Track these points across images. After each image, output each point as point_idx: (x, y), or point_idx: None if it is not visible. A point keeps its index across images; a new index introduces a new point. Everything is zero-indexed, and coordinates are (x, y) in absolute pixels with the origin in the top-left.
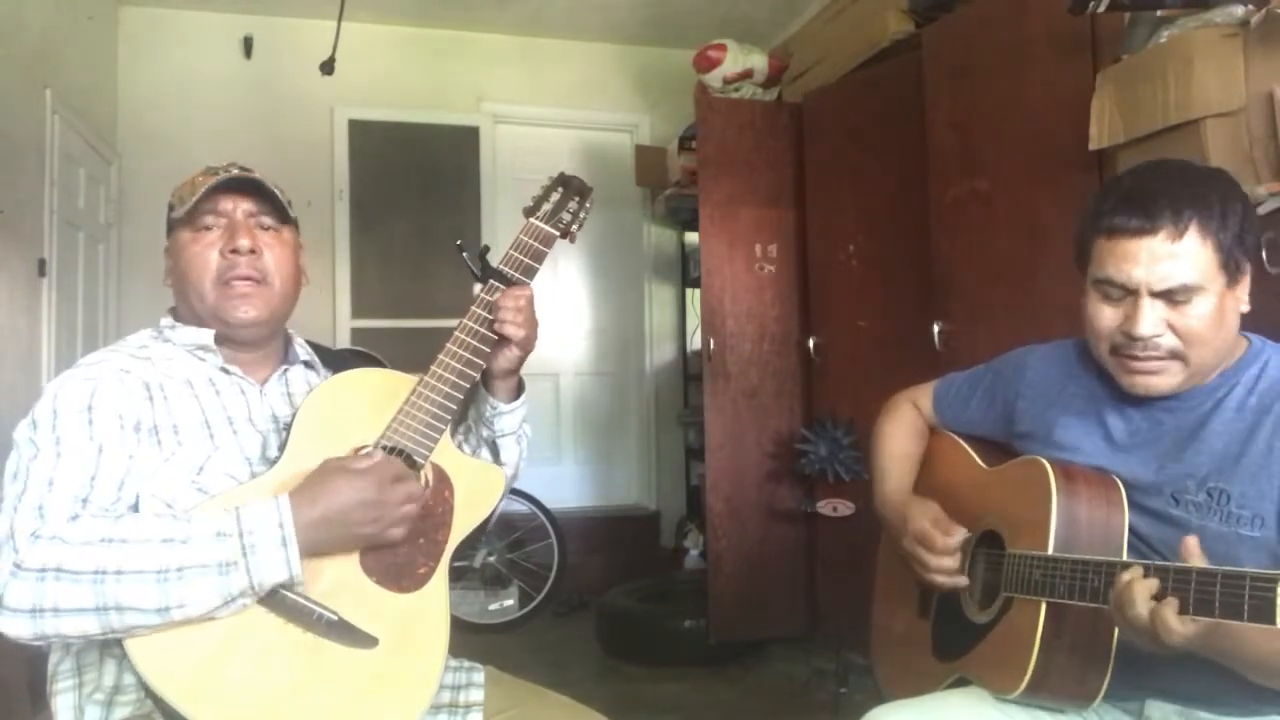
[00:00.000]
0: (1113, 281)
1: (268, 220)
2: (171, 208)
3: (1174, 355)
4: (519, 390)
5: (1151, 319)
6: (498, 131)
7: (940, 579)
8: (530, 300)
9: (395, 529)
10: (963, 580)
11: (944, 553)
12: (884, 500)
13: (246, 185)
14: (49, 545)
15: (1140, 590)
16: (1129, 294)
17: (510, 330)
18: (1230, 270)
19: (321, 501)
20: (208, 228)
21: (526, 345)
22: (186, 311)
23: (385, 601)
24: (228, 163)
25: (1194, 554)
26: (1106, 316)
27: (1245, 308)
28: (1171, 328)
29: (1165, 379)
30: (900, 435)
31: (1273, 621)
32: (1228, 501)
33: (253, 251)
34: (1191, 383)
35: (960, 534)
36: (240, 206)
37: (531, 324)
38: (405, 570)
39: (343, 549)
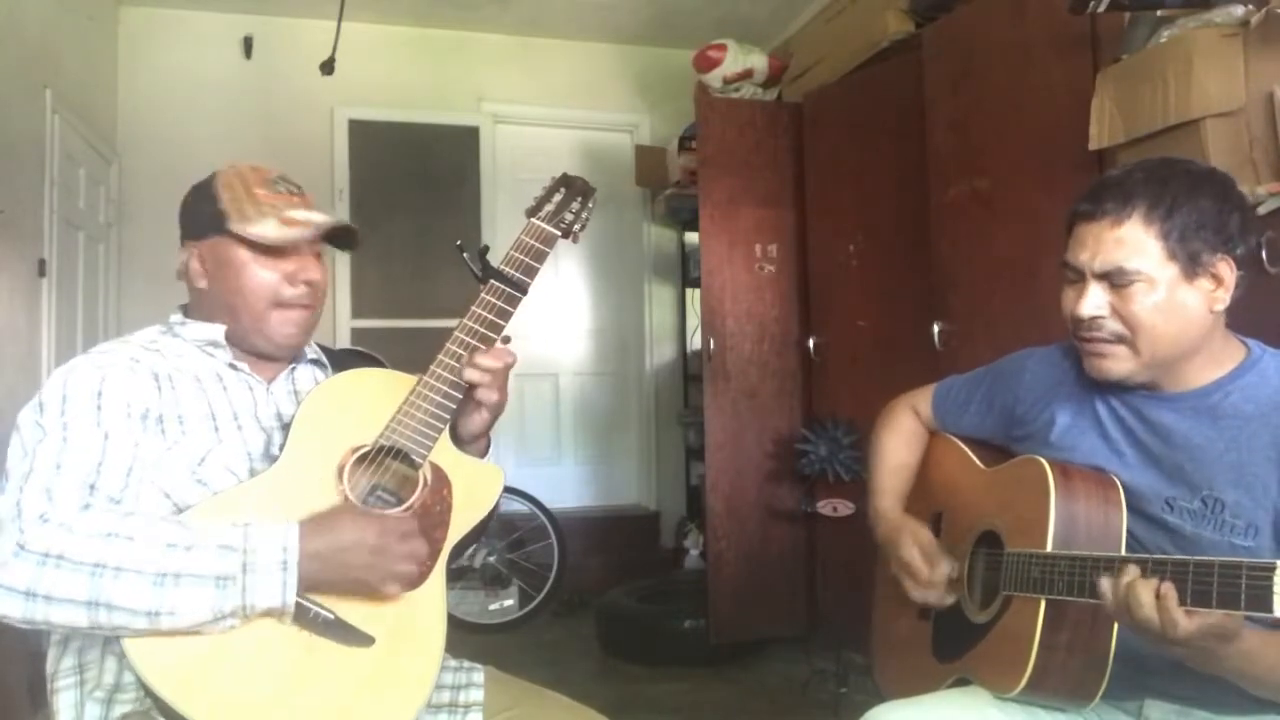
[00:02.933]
0: (1067, 264)
1: (318, 246)
2: (226, 215)
3: (1119, 340)
4: (484, 452)
5: (1091, 301)
6: (498, 131)
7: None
8: (509, 366)
9: (391, 583)
10: (949, 599)
11: (929, 587)
12: (877, 517)
13: (344, 236)
14: (56, 531)
15: (1144, 591)
16: (1081, 277)
17: (483, 394)
18: (1183, 262)
19: (328, 536)
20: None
21: (497, 410)
22: (222, 319)
23: (382, 600)
24: (277, 174)
25: None
26: (1067, 299)
27: (1220, 305)
28: (1116, 313)
29: (1116, 363)
30: (897, 445)
31: (1270, 609)
32: (1222, 510)
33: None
34: (1154, 375)
35: (946, 568)
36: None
37: (504, 390)
38: None
39: (339, 590)
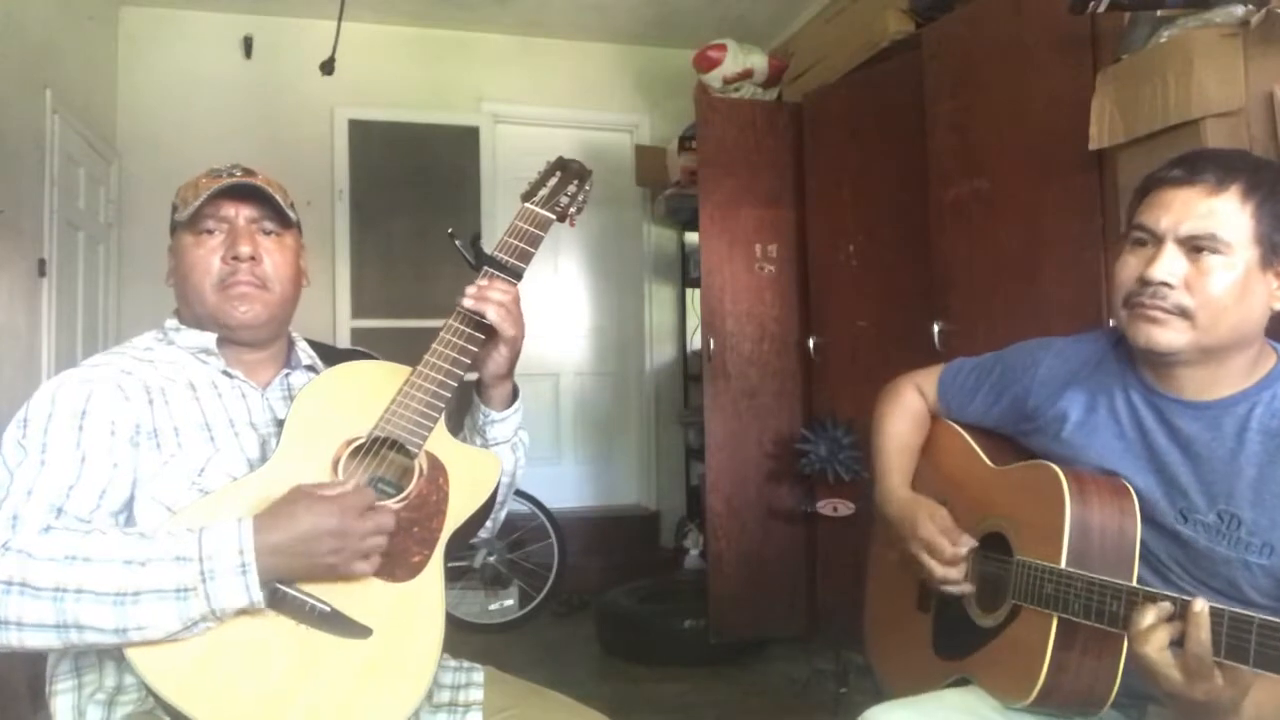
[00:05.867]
0: (1143, 226)
1: (269, 225)
2: (175, 208)
3: (1181, 312)
4: (513, 398)
5: (1167, 264)
6: (498, 131)
7: (945, 587)
8: (516, 299)
9: (360, 562)
10: (968, 588)
11: (951, 563)
12: (887, 497)
13: (249, 191)
14: (16, 558)
15: (1160, 634)
16: (1156, 241)
17: (503, 327)
18: (1266, 248)
19: (284, 528)
20: (209, 232)
21: (515, 344)
22: (188, 313)
23: (379, 591)
24: (231, 164)
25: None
26: (1130, 266)
27: (1279, 305)
28: (1187, 285)
29: (1169, 333)
30: (902, 424)
31: None
32: (1238, 527)
33: (253, 258)
34: (1198, 360)
35: (968, 544)
36: (242, 212)
37: (519, 322)
38: (399, 559)
39: (307, 577)
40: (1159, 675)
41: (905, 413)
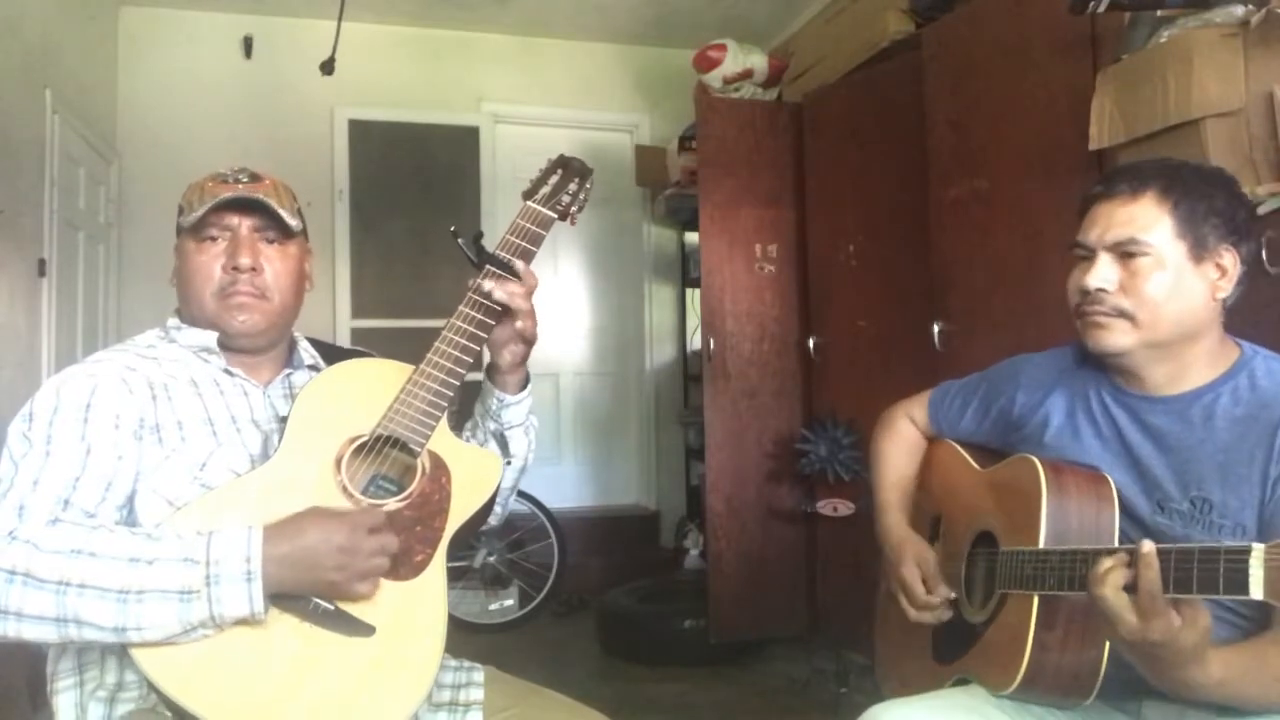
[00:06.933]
0: (1079, 244)
1: (272, 234)
2: (181, 211)
3: (1121, 313)
4: (525, 382)
5: (1099, 273)
6: (498, 131)
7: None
8: (532, 289)
9: (362, 582)
10: (945, 617)
11: (924, 609)
12: (884, 532)
13: (252, 205)
14: (22, 548)
15: (1115, 575)
16: (1091, 253)
17: (522, 322)
18: (1191, 242)
19: (292, 539)
20: (212, 239)
21: (531, 334)
22: (189, 314)
23: (382, 589)
24: (238, 168)
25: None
26: (1073, 279)
27: (1222, 294)
28: (1122, 288)
29: (1115, 336)
30: (897, 456)
31: (1246, 592)
32: (1210, 511)
33: (253, 269)
34: (1151, 359)
35: (944, 593)
36: (245, 222)
37: (534, 313)
38: (402, 558)
39: (309, 592)
40: (1118, 619)
41: (899, 443)
